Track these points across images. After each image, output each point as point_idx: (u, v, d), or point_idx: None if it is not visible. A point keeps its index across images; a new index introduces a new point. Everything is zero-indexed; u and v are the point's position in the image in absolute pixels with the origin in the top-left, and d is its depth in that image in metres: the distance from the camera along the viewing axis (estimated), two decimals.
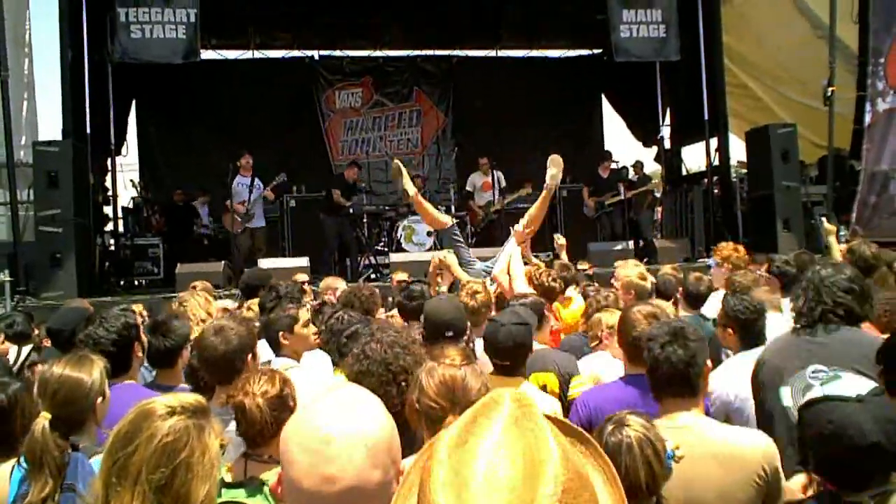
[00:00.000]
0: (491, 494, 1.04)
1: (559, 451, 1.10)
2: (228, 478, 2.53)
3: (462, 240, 7.32)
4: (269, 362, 3.90)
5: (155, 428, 1.79)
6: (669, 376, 2.75)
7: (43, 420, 2.52)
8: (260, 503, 2.43)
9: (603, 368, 4.16)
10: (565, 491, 1.05)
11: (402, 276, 8.26)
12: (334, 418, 1.35)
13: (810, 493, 2.33)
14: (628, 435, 2.28)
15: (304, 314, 4.24)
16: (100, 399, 2.82)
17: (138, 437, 1.78)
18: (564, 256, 7.48)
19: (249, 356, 3.38)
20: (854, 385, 2.13)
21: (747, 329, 3.82)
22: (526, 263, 6.23)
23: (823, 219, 8.41)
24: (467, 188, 14.29)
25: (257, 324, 4.74)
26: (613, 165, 15.22)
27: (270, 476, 2.54)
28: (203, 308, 5.12)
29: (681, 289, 5.58)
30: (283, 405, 2.66)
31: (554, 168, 6.86)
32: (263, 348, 4.19)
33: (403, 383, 2.68)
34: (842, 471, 2.05)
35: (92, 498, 1.81)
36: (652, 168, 17.12)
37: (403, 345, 2.82)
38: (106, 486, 1.77)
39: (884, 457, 2.02)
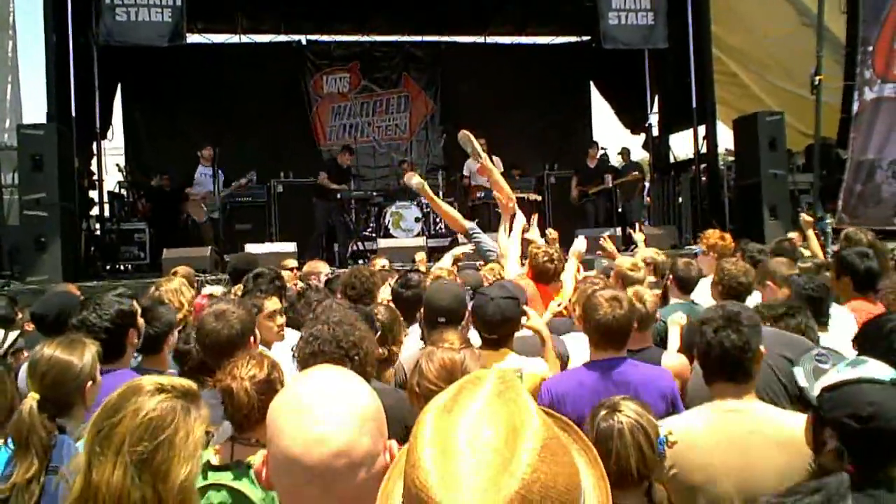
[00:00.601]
0: (474, 453, 1.08)
1: (540, 417, 1.14)
2: (215, 460, 2.53)
3: (482, 235, 7.24)
4: None
5: (142, 402, 1.80)
6: (722, 361, 2.74)
7: (31, 401, 2.51)
8: (245, 486, 2.44)
9: (578, 347, 4.14)
10: (544, 447, 1.09)
11: (382, 261, 8.21)
12: (321, 386, 1.34)
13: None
14: (620, 420, 2.29)
15: (272, 304, 4.23)
16: (90, 383, 2.81)
17: (124, 409, 1.79)
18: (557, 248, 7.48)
19: (251, 339, 3.38)
20: (884, 369, 2.15)
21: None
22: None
23: (803, 212, 8.45)
24: (464, 172, 14.20)
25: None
26: (601, 153, 15.29)
27: (257, 459, 2.53)
28: (176, 297, 5.07)
29: (671, 275, 5.57)
30: (270, 389, 2.66)
31: (466, 145, 6.95)
32: None
33: (356, 358, 2.73)
34: (874, 452, 2.05)
35: (75, 466, 1.82)
36: (640, 155, 17.15)
37: (350, 322, 2.88)
38: (89, 455, 1.78)
39: None
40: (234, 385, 2.63)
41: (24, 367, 3.78)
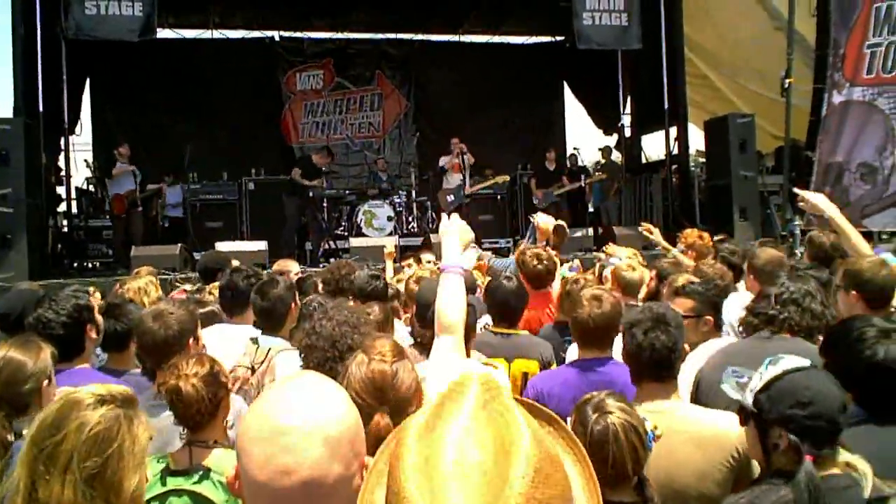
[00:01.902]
0: (462, 478, 1.03)
1: (529, 433, 1.09)
2: (172, 465, 2.50)
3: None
4: (256, 339, 3.90)
5: (84, 417, 1.76)
6: (652, 362, 2.79)
7: None
8: (207, 489, 2.40)
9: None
10: (537, 471, 1.04)
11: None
12: (293, 408, 1.27)
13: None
14: (613, 423, 2.28)
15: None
16: (45, 382, 2.75)
17: (66, 426, 1.75)
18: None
19: (191, 340, 3.31)
20: (799, 360, 2.21)
21: None
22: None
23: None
24: (440, 166, 14.09)
25: (215, 308, 4.70)
26: (572, 151, 15.36)
27: (215, 462, 2.52)
28: (138, 297, 5.02)
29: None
30: (216, 382, 2.68)
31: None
32: (247, 329, 4.18)
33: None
34: (820, 432, 2.08)
35: (12, 486, 1.76)
36: (615, 155, 17.25)
37: (353, 324, 2.83)
38: (31, 475, 1.73)
39: (842, 418, 2.12)
40: (181, 383, 2.60)
41: None
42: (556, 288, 5.26)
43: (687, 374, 3.20)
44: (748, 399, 2.22)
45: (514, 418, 1.10)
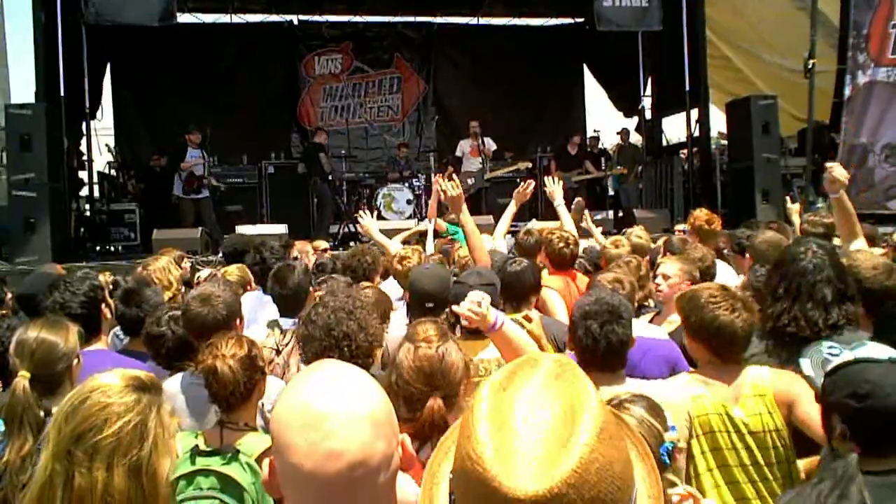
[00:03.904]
0: (530, 431, 1.06)
1: (598, 399, 1.12)
2: (203, 445, 2.51)
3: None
4: (276, 322, 3.95)
5: (120, 408, 1.76)
6: (607, 353, 2.85)
7: (23, 379, 2.49)
8: (235, 471, 2.42)
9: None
10: (602, 429, 1.07)
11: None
12: (328, 394, 1.27)
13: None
14: (633, 415, 2.25)
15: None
16: (75, 362, 2.79)
17: (101, 415, 1.74)
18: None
19: (237, 321, 3.36)
20: (883, 350, 2.17)
21: None
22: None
23: (788, 198, 8.41)
24: (457, 153, 14.12)
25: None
26: (593, 133, 15.25)
27: (245, 445, 2.54)
28: (164, 276, 5.07)
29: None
30: (253, 366, 2.70)
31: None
32: (270, 308, 4.21)
33: (346, 349, 2.69)
34: (874, 431, 2.05)
35: (45, 475, 1.75)
36: (634, 138, 17.14)
37: (349, 310, 2.82)
38: (67, 465, 1.73)
39: None
40: (218, 364, 2.63)
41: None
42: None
43: None
44: (818, 379, 2.20)
45: (584, 387, 1.14)
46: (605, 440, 1.06)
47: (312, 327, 2.81)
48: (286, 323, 3.93)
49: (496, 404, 1.11)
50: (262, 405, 2.84)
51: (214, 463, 2.44)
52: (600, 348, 2.83)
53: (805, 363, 2.31)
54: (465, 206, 4.18)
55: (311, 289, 4.17)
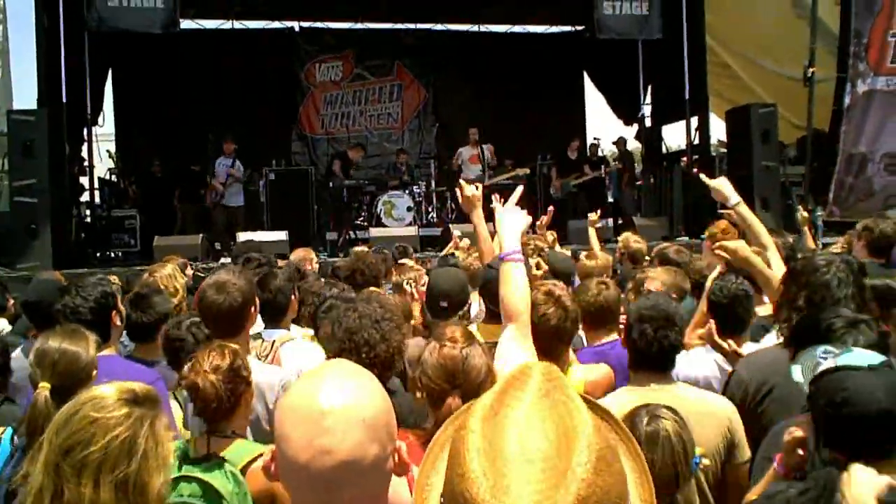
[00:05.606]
0: (525, 464, 1.06)
1: (591, 422, 1.11)
2: (192, 452, 2.53)
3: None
4: (259, 334, 3.91)
5: (110, 422, 1.76)
6: (658, 356, 2.94)
7: (44, 390, 2.50)
8: (216, 479, 2.41)
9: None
10: (599, 459, 1.07)
11: (361, 248, 8.09)
12: (332, 392, 1.32)
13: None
14: (665, 428, 2.32)
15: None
16: (94, 371, 2.79)
17: (92, 431, 1.75)
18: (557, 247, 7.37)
19: (252, 309, 3.35)
20: (866, 357, 2.15)
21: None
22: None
23: (800, 207, 8.43)
24: (456, 160, 14.13)
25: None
26: (593, 141, 15.28)
27: (232, 454, 2.56)
28: (171, 283, 5.08)
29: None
30: (236, 377, 2.69)
31: None
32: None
33: (364, 355, 2.70)
34: (852, 440, 2.05)
35: (36, 486, 1.75)
36: (633, 146, 17.17)
37: (376, 319, 2.83)
38: (55, 479, 1.73)
39: (893, 427, 2.02)
40: (199, 380, 2.62)
41: (14, 354, 3.77)
42: None
43: None
44: (805, 386, 2.21)
45: (575, 407, 1.13)
46: (601, 471, 1.06)
47: (337, 328, 2.83)
48: (269, 334, 3.92)
49: (488, 435, 1.10)
50: (265, 395, 2.83)
51: (198, 470, 2.44)
52: (653, 351, 2.92)
53: (796, 370, 2.31)
54: (479, 210, 4.19)
55: (292, 296, 4.16)
